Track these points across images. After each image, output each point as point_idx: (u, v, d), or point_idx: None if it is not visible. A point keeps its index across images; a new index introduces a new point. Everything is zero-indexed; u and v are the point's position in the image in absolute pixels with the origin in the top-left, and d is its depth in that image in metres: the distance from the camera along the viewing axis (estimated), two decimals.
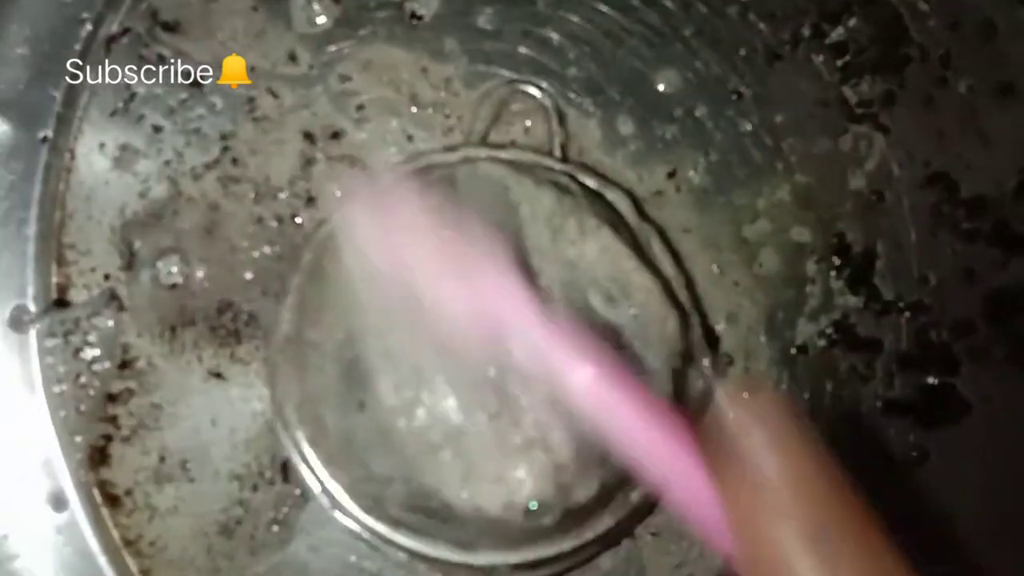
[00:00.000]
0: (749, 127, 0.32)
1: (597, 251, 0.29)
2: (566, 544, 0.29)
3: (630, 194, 0.31)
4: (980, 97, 0.32)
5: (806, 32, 0.32)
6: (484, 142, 0.31)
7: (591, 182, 0.31)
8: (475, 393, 0.27)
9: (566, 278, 0.28)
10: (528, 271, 0.28)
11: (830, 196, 0.32)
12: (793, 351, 0.32)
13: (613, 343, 0.28)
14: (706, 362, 0.30)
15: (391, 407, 0.27)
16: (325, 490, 0.30)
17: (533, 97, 0.32)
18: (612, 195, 0.31)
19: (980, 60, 0.32)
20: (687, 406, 0.30)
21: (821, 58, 0.32)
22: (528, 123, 0.32)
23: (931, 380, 0.32)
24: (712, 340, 0.31)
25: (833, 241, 0.32)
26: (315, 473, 0.30)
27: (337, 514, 0.30)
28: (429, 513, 0.28)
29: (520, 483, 0.27)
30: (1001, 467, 0.31)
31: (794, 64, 0.32)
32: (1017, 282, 0.32)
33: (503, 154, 0.31)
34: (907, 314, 0.32)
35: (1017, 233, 0.32)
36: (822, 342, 0.32)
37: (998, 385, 0.32)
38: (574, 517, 0.29)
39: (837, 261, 0.32)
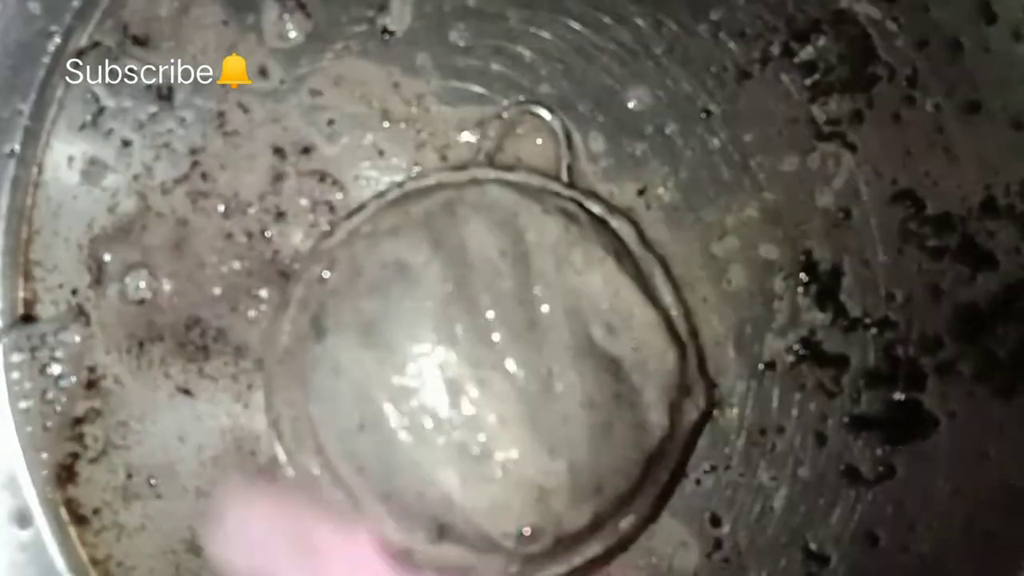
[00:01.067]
0: (718, 144, 0.32)
1: (601, 282, 0.29)
2: (555, 569, 0.29)
3: (634, 223, 0.31)
4: (947, 115, 0.32)
5: (775, 51, 0.32)
6: (491, 163, 0.31)
7: (596, 208, 0.31)
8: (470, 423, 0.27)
9: (569, 307, 0.28)
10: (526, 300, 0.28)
11: (798, 213, 0.32)
12: (761, 367, 0.32)
13: (612, 375, 0.28)
14: (700, 392, 0.30)
15: (391, 430, 0.28)
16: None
17: (543, 119, 0.32)
18: (617, 223, 0.31)
19: (947, 79, 0.32)
20: (680, 437, 0.30)
21: (790, 77, 0.32)
22: (539, 141, 0.32)
23: (898, 396, 0.32)
24: (706, 371, 0.31)
25: (801, 258, 0.32)
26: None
27: None
28: (426, 532, 0.28)
29: (513, 509, 0.27)
30: (968, 483, 0.32)
31: (763, 82, 0.32)
32: (983, 298, 0.32)
33: (511, 176, 0.31)
34: (874, 330, 0.32)
35: (983, 249, 0.32)
36: (790, 358, 0.32)
37: (965, 401, 0.32)
38: (565, 544, 0.29)
39: (805, 278, 0.32)
